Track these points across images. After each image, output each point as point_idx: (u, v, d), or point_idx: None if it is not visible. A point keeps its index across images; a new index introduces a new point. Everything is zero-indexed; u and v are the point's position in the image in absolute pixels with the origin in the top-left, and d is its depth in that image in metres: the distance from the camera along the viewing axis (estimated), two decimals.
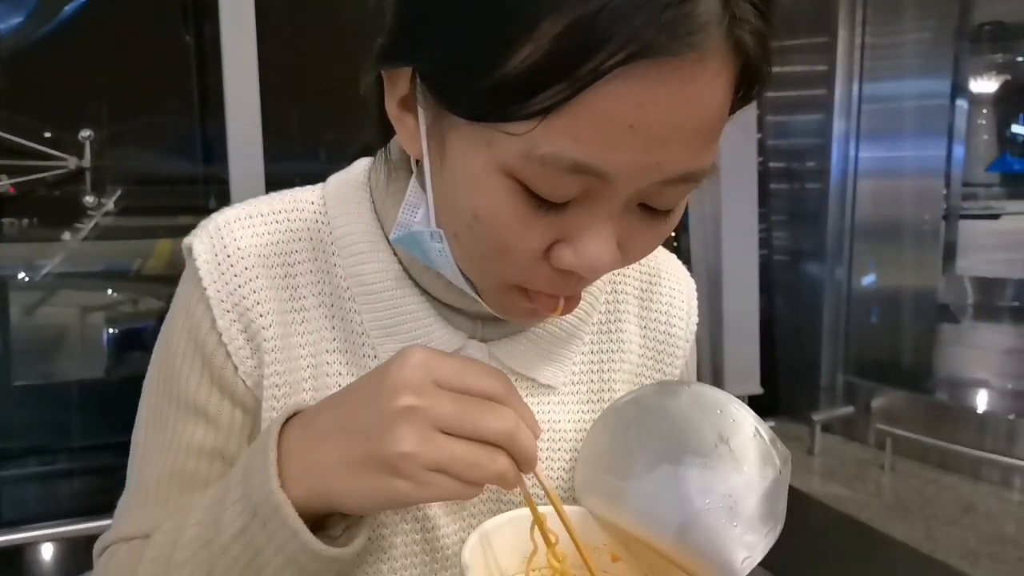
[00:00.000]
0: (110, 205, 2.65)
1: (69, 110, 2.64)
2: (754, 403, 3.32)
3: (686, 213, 3.31)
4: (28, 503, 2.61)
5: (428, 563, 0.51)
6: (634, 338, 0.58)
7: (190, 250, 0.53)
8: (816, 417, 3.25)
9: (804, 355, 3.58)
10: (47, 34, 2.79)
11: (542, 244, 0.44)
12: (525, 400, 0.47)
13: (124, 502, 0.54)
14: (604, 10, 0.35)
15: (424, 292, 0.53)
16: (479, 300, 0.49)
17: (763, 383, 3.23)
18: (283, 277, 0.52)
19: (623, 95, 0.38)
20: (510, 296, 0.48)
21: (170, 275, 3.08)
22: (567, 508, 0.48)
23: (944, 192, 5.25)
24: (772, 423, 3.18)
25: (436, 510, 0.51)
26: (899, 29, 3.55)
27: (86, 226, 2.64)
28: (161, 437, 0.53)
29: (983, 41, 6.48)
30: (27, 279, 2.69)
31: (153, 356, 0.55)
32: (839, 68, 3.44)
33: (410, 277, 0.53)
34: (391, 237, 0.50)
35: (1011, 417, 2.98)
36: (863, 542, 2.48)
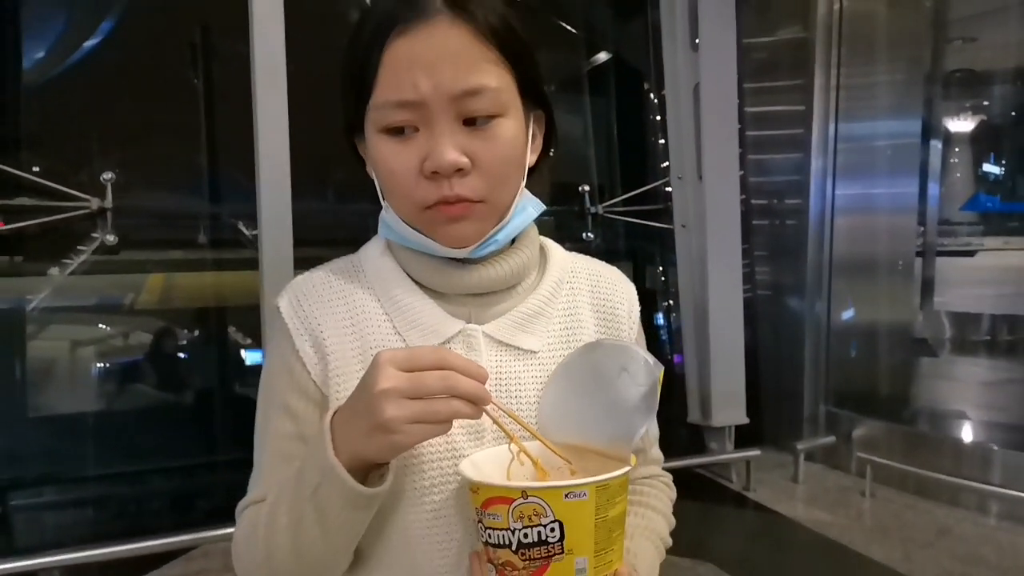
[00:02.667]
0: (116, 240, 2.72)
1: (84, 151, 2.72)
2: (740, 432, 3.39)
3: (673, 249, 3.44)
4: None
5: (457, 478, 0.72)
6: (589, 317, 0.81)
7: (277, 307, 0.78)
8: (800, 446, 3.35)
9: (787, 386, 3.69)
10: (60, 76, 2.90)
11: (414, 163, 0.69)
12: (512, 363, 0.74)
13: (252, 478, 0.77)
14: (375, 12, 0.69)
15: (429, 293, 0.76)
16: (429, 239, 0.73)
17: (748, 413, 3.32)
18: (336, 306, 0.77)
19: (397, 51, 0.67)
20: (431, 218, 0.71)
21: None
22: (535, 442, 0.70)
23: (920, 229, 5.44)
24: (758, 451, 3.27)
25: (461, 441, 0.72)
26: (872, 72, 3.71)
27: (89, 259, 2.70)
28: (269, 431, 0.76)
29: (954, 86, 6.75)
30: (33, 311, 2.75)
31: (260, 378, 0.79)
32: (816, 108, 3.59)
33: (420, 285, 0.76)
34: (378, 231, 0.79)
35: (987, 446, 3.09)
36: (845, 564, 2.57)
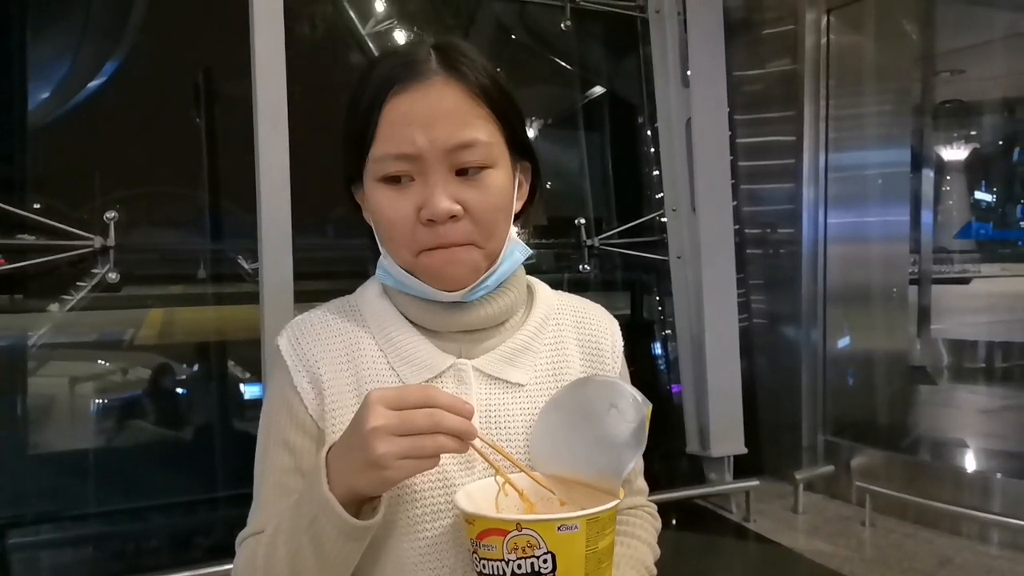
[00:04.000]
0: (118, 278, 2.74)
1: (89, 190, 2.76)
2: (739, 462, 3.38)
3: (669, 280, 3.47)
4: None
5: (450, 508, 0.76)
6: (575, 352, 0.86)
7: (277, 346, 0.82)
8: (799, 476, 3.34)
9: (785, 416, 3.68)
10: (63, 115, 2.95)
11: (411, 211, 0.74)
12: (501, 396, 0.79)
13: (252, 509, 0.80)
14: (375, 75, 0.75)
15: (422, 331, 0.80)
16: (424, 284, 0.77)
17: (747, 443, 3.32)
18: (333, 344, 0.81)
19: (396, 108, 0.73)
20: (425, 262, 0.76)
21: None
22: (525, 474, 0.74)
23: (913, 257, 5.48)
24: (757, 482, 3.27)
25: (453, 472, 0.75)
26: (860, 103, 3.78)
27: (89, 296, 2.72)
28: (268, 464, 0.80)
29: (944, 117, 6.84)
30: (33, 347, 2.76)
31: (261, 413, 0.83)
32: (806, 138, 3.63)
33: (413, 324, 0.80)
34: (375, 276, 0.84)
35: (987, 474, 3.09)
36: None
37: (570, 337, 0.86)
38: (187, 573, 2.19)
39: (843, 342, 3.77)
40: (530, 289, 0.88)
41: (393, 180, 0.75)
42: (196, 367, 3.19)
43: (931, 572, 2.66)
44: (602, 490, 0.71)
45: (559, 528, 0.64)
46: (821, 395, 3.69)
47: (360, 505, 0.70)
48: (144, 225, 2.88)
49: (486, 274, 0.78)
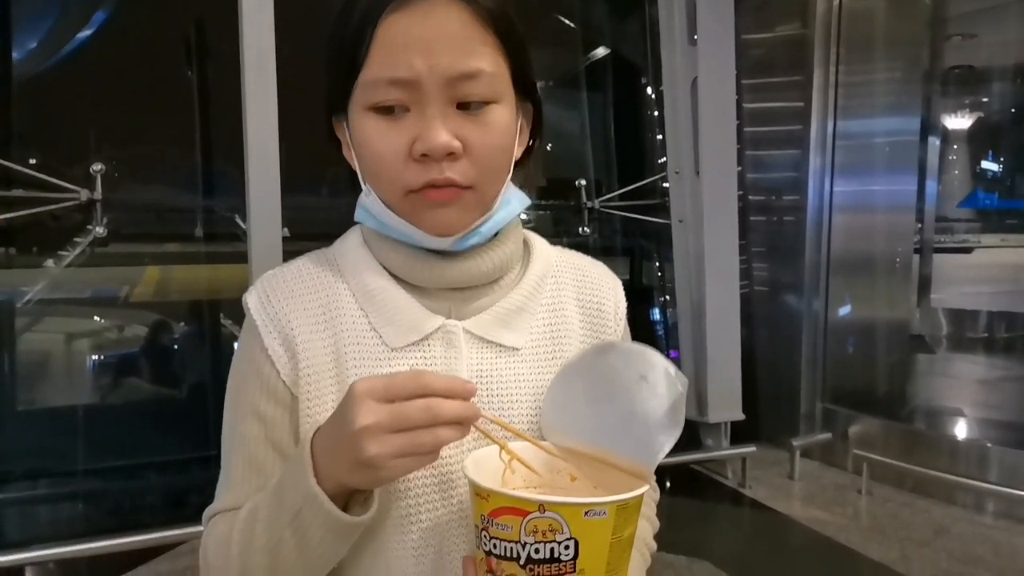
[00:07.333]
0: (105, 233, 2.69)
1: (76, 142, 2.70)
2: (736, 429, 3.39)
3: (670, 245, 3.42)
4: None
5: (440, 487, 0.70)
6: (575, 314, 0.78)
7: (246, 303, 0.74)
8: (796, 443, 3.34)
9: (784, 383, 3.67)
10: (52, 68, 2.88)
11: (403, 145, 0.66)
12: (494, 361, 0.72)
13: (220, 484, 0.73)
14: None
15: (407, 287, 0.72)
16: (411, 226, 0.70)
17: (745, 410, 3.31)
18: (308, 301, 0.73)
19: (392, 27, 0.65)
20: (414, 204, 0.68)
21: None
22: (535, 443, 0.68)
23: (917, 226, 5.43)
24: (754, 448, 3.26)
25: (444, 450, 0.67)
26: (871, 69, 3.70)
27: (82, 253, 2.68)
28: (237, 436, 0.73)
29: (952, 84, 6.73)
30: (23, 304, 2.73)
31: (228, 382, 0.75)
32: (814, 105, 3.57)
33: (397, 279, 0.72)
34: (355, 217, 0.75)
35: (984, 444, 3.09)
36: (842, 563, 2.56)
37: (569, 297, 0.79)
38: (177, 531, 2.20)
39: (844, 311, 3.74)
40: (527, 244, 0.80)
41: (384, 110, 0.67)
42: (191, 325, 3.16)
43: (927, 541, 2.67)
44: (630, 472, 0.64)
45: (586, 513, 0.57)
46: (820, 363, 3.68)
47: (349, 496, 0.64)
48: (134, 181, 2.82)
49: (480, 220, 0.70)
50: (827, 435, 3.50)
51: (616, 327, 0.81)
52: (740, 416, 3.29)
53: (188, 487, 2.68)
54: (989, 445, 3.04)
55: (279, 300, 0.73)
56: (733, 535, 2.90)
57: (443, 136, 0.65)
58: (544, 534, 0.57)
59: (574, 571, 0.58)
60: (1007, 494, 2.84)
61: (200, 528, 0.74)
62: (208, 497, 0.74)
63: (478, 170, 0.68)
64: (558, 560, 0.58)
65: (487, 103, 0.67)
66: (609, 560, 0.60)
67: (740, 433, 3.33)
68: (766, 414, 3.66)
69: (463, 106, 0.67)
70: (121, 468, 2.74)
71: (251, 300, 0.74)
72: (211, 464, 0.76)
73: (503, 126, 0.69)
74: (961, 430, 3.62)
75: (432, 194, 0.67)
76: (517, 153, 0.74)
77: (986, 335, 5.97)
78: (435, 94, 0.65)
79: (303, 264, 0.76)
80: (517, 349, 0.74)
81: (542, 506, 0.57)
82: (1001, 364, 5.46)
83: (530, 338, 0.75)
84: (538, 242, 0.81)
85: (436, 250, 0.72)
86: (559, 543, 0.57)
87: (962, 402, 4.19)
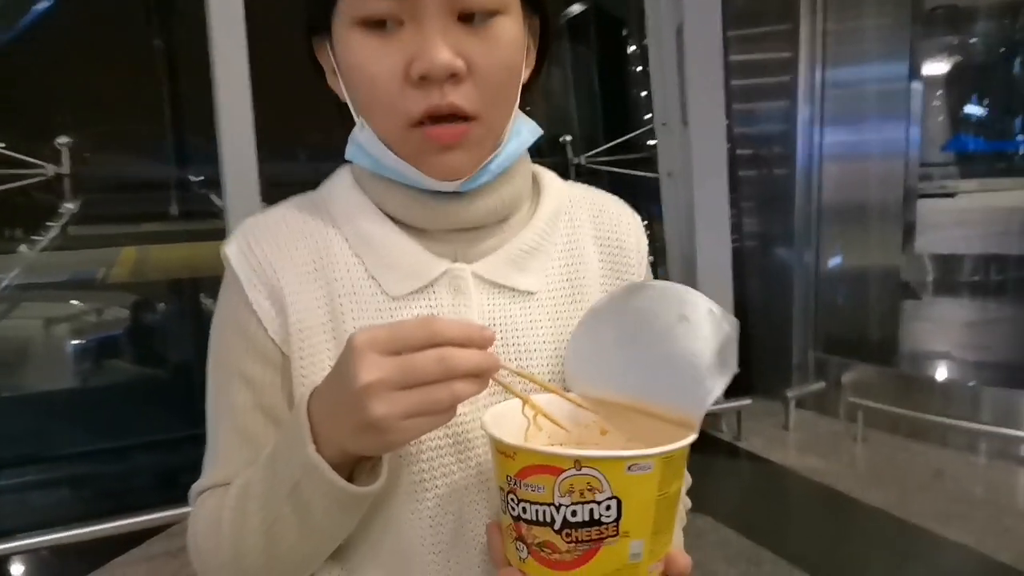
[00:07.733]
0: (76, 210, 2.60)
1: (40, 117, 2.59)
2: (730, 382, 3.41)
3: (659, 202, 3.36)
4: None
5: (456, 449, 0.63)
6: (593, 254, 0.71)
7: (226, 255, 0.66)
8: (790, 394, 3.34)
9: (776, 335, 3.66)
10: (11, 40, 2.75)
11: (398, 66, 0.57)
12: (508, 307, 0.64)
13: (207, 458, 0.66)
14: None
15: (406, 229, 0.65)
16: (413, 168, 0.61)
17: (739, 363, 3.29)
18: (296, 249, 0.65)
19: None
20: (416, 143, 0.60)
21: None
22: (562, 394, 0.61)
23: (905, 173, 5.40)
24: (748, 400, 3.25)
25: (463, 412, 0.62)
26: (859, 15, 3.63)
27: (56, 236, 2.60)
28: (223, 403, 0.65)
29: (936, 24, 6.64)
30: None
31: (209, 345, 0.68)
32: (802, 55, 3.51)
33: (395, 221, 0.65)
34: (346, 155, 0.66)
35: (974, 385, 3.10)
36: (840, 510, 2.57)
37: (587, 235, 0.71)
38: (169, 511, 2.16)
39: (835, 260, 3.73)
40: (536, 178, 0.71)
41: (375, 24, 0.57)
42: (171, 305, 3.10)
43: (925, 484, 2.68)
44: (672, 421, 0.57)
45: (629, 468, 0.50)
46: (812, 313, 3.67)
47: (353, 464, 0.58)
48: (103, 153, 2.72)
49: (489, 157, 0.62)
50: (820, 384, 3.50)
51: (639, 268, 0.73)
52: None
53: (178, 467, 2.64)
54: (982, 386, 3.05)
55: (263, 249, 0.64)
56: (732, 489, 2.91)
57: (444, 54, 0.56)
58: (582, 494, 0.51)
59: (617, 534, 0.52)
60: (1001, 434, 2.86)
61: (190, 508, 0.67)
62: (197, 475, 0.66)
63: (485, 94, 0.59)
64: (599, 523, 0.51)
65: (493, 13, 0.58)
66: (656, 519, 0.53)
67: (734, 386, 3.25)
68: (759, 366, 3.65)
69: (465, 18, 0.58)
70: (110, 451, 2.69)
71: (232, 251, 0.65)
72: (201, 442, 0.69)
73: (511, 41, 0.60)
74: (952, 373, 3.64)
75: (435, 132, 0.59)
76: (524, 75, 0.65)
77: (973, 279, 6.00)
78: (433, 4, 0.56)
79: (287, 210, 0.68)
80: (532, 293, 0.66)
81: (578, 462, 0.50)
82: (991, 307, 5.50)
83: (546, 281, 0.67)
84: (548, 176, 0.73)
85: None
86: (599, 503, 0.51)
87: (952, 345, 4.22)
